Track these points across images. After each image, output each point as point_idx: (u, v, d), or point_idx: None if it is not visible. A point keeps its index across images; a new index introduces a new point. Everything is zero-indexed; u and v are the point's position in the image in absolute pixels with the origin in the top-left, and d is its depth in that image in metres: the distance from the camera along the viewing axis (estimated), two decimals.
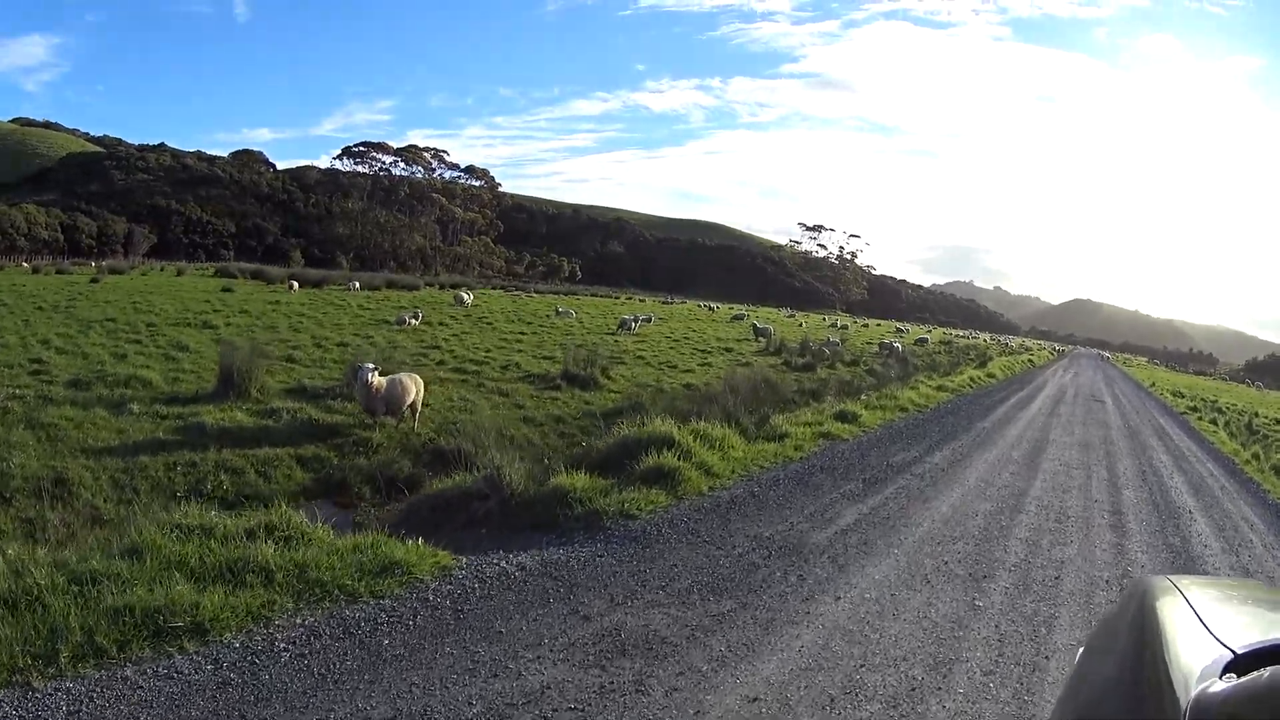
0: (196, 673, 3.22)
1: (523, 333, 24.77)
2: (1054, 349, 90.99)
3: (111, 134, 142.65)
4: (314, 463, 9.47)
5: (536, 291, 64.76)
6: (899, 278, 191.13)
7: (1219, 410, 29.16)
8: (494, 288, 65.09)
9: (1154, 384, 43.10)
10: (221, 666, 3.29)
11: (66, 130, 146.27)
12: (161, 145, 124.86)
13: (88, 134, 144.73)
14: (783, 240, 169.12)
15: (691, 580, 5.02)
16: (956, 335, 76.76)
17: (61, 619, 3.30)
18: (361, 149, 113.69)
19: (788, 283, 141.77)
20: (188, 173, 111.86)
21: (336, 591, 4.19)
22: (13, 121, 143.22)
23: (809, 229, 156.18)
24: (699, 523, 6.36)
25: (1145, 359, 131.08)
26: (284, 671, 3.31)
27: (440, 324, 24.94)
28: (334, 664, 3.43)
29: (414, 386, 10.70)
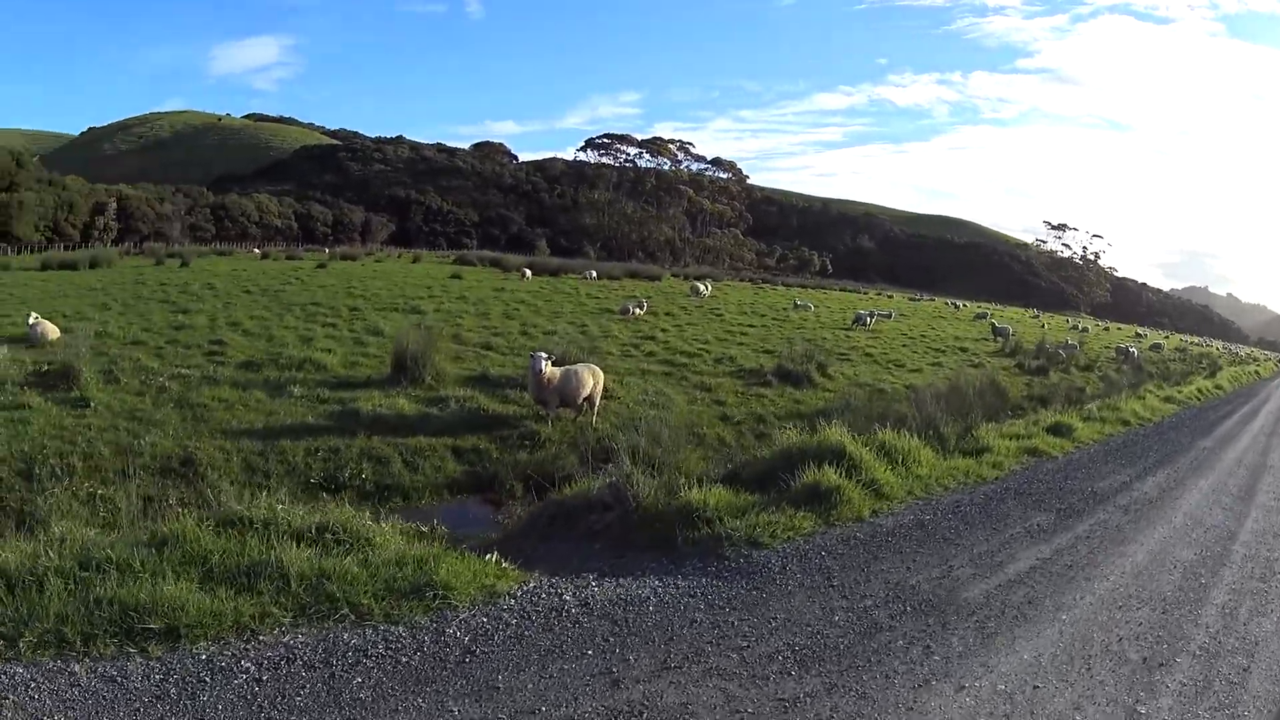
0: (142, 680, 3.33)
1: (750, 325, 25.58)
2: (1278, 360, 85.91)
3: (347, 128, 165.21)
4: (471, 455, 9.97)
5: (783, 284, 66.54)
6: (1139, 281, 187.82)
7: None
8: (740, 280, 67.93)
9: None
10: (170, 678, 3.37)
11: (301, 124, 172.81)
12: (399, 138, 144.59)
13: (323, 128, 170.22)
14: (1028, 239, 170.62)
15: (784, 641, 4.35)
16: (1191, 342, 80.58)
17: (42, 604, 3.57)
18: (606, 141, 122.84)
19: (1034, 282, 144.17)
20: (427, 164, 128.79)
21: (346, 610, 4.16)
22: (246, 118, 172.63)
23: (1053, 227, 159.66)
24: (837, 559, 5.78)
25: None
26: (225, 696, 3.31)
27: (666, 314, 26.24)
28: (284, 698, 3.35)
29: (591, 379, 10.87)
